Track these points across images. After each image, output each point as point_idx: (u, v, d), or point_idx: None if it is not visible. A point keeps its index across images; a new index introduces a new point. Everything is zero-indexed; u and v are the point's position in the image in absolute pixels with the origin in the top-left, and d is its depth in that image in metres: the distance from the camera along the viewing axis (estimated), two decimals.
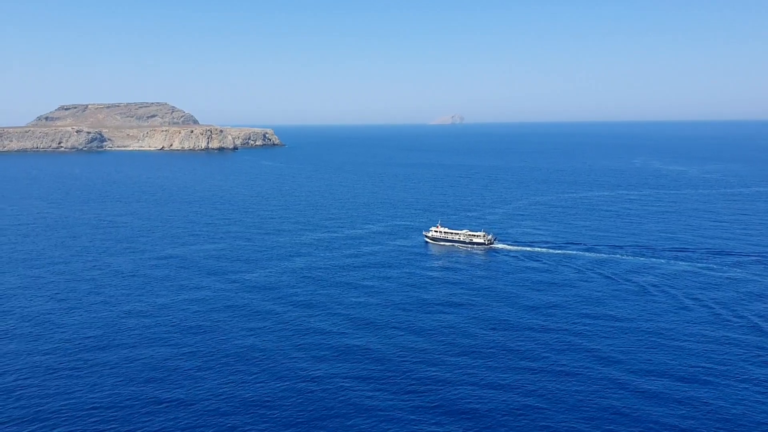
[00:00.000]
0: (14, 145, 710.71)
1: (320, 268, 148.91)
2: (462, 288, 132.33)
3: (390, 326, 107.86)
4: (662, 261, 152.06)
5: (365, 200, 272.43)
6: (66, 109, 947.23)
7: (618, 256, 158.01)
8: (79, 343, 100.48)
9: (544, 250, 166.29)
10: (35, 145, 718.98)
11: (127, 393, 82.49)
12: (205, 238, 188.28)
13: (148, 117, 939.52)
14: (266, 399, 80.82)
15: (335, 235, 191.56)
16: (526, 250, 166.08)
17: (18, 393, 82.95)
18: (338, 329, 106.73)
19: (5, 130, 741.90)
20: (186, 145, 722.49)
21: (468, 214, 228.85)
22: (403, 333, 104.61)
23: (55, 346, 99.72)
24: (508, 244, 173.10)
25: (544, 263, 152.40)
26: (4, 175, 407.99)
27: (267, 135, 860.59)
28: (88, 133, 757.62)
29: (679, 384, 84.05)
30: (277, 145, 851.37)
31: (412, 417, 76.00)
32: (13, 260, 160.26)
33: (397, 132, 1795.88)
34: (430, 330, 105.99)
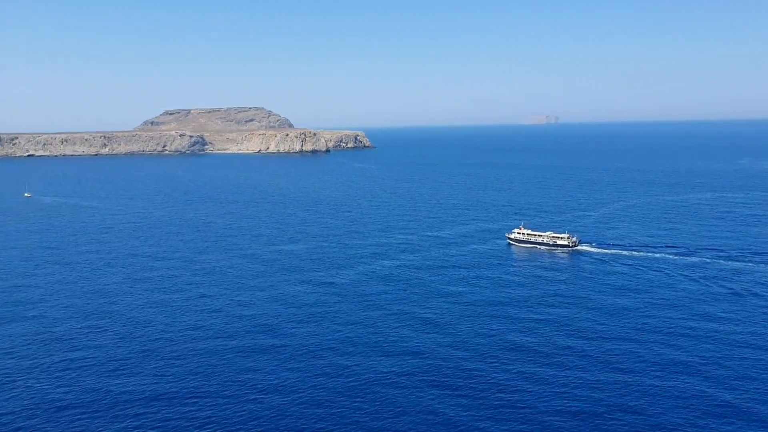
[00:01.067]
0: (123, 149, 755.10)
1: (407, 269, 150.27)
2: (542, 292, 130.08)
3: (463, 332, 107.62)
4: None
5: (454, 201, 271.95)
6: (170, 114, 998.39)
7: (719, 261, 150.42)
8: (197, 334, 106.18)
9: (633, 252, 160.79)
10: (142, 149, 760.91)
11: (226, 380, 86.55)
12: (295, 238, 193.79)
13: (246, 121, 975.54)
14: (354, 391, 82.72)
15: (422, 235, 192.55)
16: (611, 253, 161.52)
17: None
18: (413, 333, 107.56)
19: (114, 134, 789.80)
20: (281, 148, 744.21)
21: (561, 216, 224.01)
22: (475, 338, 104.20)
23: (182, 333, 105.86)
24: (594, 247, 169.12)
25: (633, 266, 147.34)
26: (114, 177, 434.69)
27: (358, 137, 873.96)
28: (191, 137, 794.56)
29: None
30: (368, 147, 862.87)
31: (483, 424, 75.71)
32: (120, 256, 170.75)
33: (488, 133, 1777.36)
34: (499, 336, 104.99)
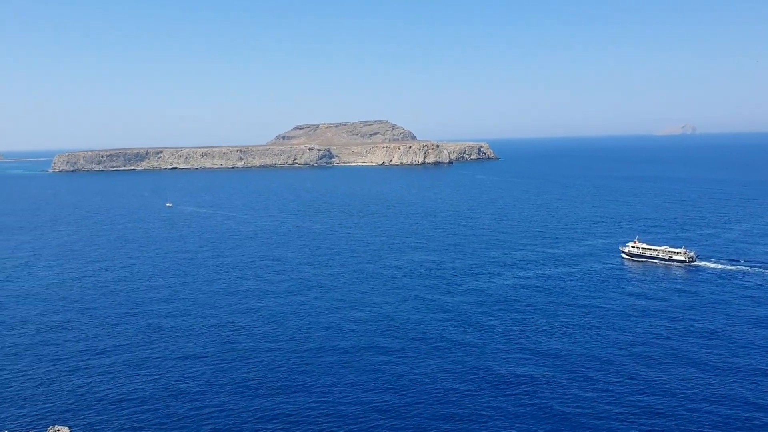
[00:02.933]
0: (257, 162, 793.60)
1: (529, 282, 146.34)
2: (653, 309, 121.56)
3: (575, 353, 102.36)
4: None
5: (581, 215, 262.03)
6: (300, 129, 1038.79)
7: None
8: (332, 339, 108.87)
9: (757, 269, 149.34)
10: (274, 162, 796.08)
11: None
12: (415, 249, 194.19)
13: (370, 134, 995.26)
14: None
15: (546, 250, 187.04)
16: (733, 270, 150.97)
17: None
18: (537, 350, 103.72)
19: (249, 148, 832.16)
20: (404, 160, 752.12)
21: (685, 232, 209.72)
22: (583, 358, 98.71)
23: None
24: (714, 262, 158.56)
25: (761, 285, 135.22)
26: (248, 189, 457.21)
27: (482, 149, 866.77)
28: (319, 150, 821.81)
29: None
30: (491, 158, 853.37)
31: None
32: (253, 263, 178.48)
33: (617, 144, 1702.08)
34: (625, 355, 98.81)
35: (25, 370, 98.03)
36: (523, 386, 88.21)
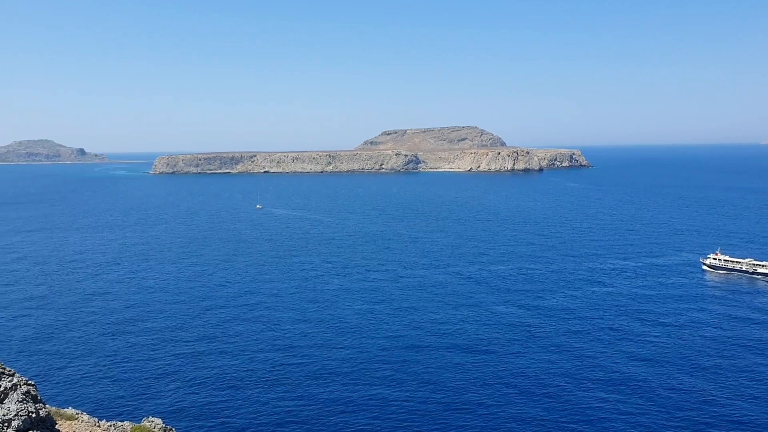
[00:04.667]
0: (344, 167, 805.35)
1: (619, 295, 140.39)
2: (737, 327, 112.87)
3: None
4: None
5: (672, 226, 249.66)
6: (388, 134, 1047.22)
7: None
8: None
9: None
10: (361, 167, 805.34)
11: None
12: (501, 257, 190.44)
13: (458, 140, 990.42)
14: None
15: (635, 262, 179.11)
16: None
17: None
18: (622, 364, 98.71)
19: (338, 153, 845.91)
20: (492, 167, 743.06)
21: None
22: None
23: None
24: None
25: None
26: (336, 193, 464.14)
27: (574, 156, 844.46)
28: (406, 155, 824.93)
29: None
30: (584, 166, 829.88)
31: None
32: (337, 267, 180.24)
33: (719, 153, 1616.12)
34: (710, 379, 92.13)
35: (124, 362, 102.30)
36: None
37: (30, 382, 13.65)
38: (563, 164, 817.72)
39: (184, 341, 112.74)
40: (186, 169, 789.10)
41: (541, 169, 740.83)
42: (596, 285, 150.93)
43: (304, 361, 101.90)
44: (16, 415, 12.46)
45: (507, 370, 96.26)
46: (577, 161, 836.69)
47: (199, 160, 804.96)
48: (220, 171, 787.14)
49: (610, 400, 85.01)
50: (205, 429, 78.36)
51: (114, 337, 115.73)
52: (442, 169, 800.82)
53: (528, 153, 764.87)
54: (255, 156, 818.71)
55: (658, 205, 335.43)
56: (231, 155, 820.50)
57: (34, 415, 12.80)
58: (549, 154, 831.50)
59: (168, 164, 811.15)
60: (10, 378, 13.34)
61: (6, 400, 12.87)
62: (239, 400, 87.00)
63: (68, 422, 34.70)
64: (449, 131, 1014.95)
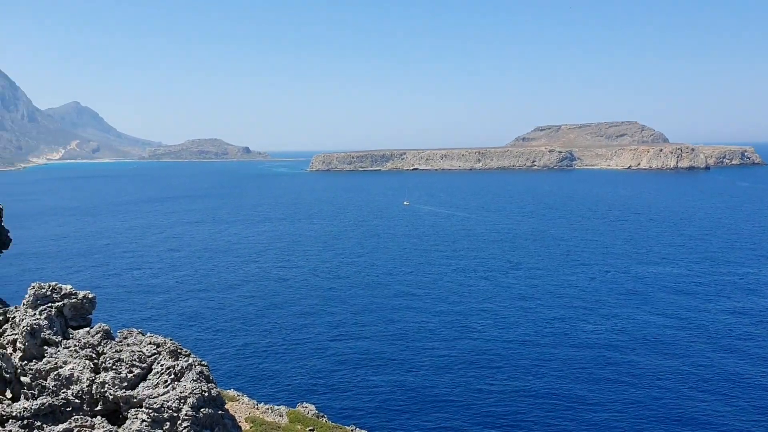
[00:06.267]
0: (494, 164, 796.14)
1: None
2: None
3: None
4: None
5: None
6: (541, 130, 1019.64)
7: None
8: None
9: None
10: (511, 164, 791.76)
11: None
12: (666, 258, 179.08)
13: (617, 136, 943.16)
14: None
15: None
16: None
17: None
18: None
19: (488, 150, 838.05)
20: (653, 164, 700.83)
21: None
22: None
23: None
24: None
25: None
26: (485, 190, 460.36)
27: (746, 153, 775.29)
28: (560, 152, 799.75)
29: None
30: (757, 164, 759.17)
31: None
32: (484, 264, 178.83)
33: None
34: None
35: (281, 352, 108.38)
36: None
37: (203, 362, 14.91)
38: (733, 162, 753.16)
39: (343, 331, 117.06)
40: (340, 167, 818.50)
41: (707, 167, 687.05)
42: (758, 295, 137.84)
43: (494, 358, 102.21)
44: (191, 393, 13.63)
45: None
46: (749, 159, 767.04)
47: (352, 158, 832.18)
48: (371, 168, 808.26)
49: None
50: (355, 418, 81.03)
51: (269, 323, 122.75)
52: (599, 167, 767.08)
53: (693, 150, 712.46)
54: (405, 154, 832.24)
55: None
56: (382, 153, 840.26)
57: (206, 394, 13.95)
58: (716, 151, 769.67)
59: (324, 162, 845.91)
60: (186, 358, 14.64)
61: (182, 379, 14.13)
62: (395, 390, 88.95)
63: (230, 403, 37.40)
64: (607, 127, 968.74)
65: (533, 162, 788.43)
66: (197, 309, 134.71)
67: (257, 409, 40.73)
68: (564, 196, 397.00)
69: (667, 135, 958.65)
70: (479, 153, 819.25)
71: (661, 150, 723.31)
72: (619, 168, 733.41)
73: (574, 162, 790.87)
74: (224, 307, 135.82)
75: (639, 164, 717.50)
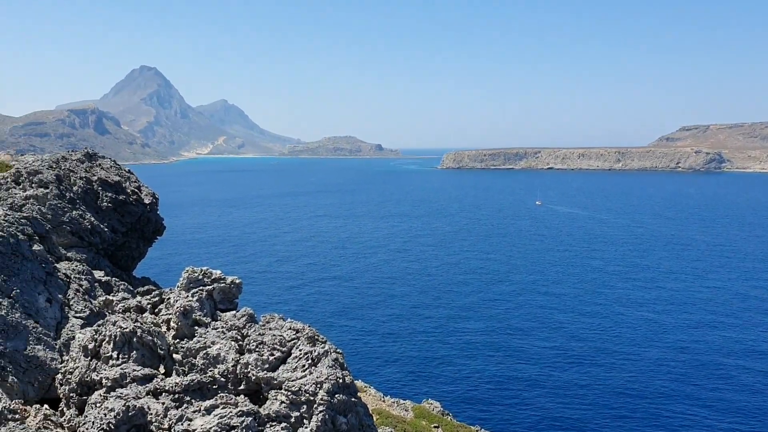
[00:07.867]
0: (635, 164, 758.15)
1: None
2: None
3: None
4: None
5: None
6: (687, 130, 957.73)
7: None
8: None
9: None
10: (654, 165, 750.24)
11: None
12: None
13: None
14: None
15: None
16: None
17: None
18: None
19: (628, 150, 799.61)
20: None
21: None
22: None
23: None
24: None
25: None
26: (624, 191, 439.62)
27: None
28: (707, 153, 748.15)
29: None
30: None
31: None
32: (622, 269, 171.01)
33: None
34: None
35: (413, 342, 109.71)
36: None
37: (338, 350, 15.41)
38: None
39: (481, 330, 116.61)
40: (471, 165, 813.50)
41: None
42: None
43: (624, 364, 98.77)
44: (327, 378, 14.13)
45: None
46: None
47: (484, 156, 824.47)
48: (503, 167, 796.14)
49: None
50: (478, 418, 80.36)
51: (407, 319, 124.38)
52: (752, 170, 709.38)
53: None
54: (539, 152, 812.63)
55: None
56: (515, 151, 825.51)
57: (341, 381, 14.40)
58: None
59: (455, 160, 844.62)
60: (322, 345, 15.18)
61: (319, 365, 14.67)
62: (518, 396, 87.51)
63: (358, 393, 38.34)
64: (762, 127, 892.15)
65: (677, 163, 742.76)
66: (339, 298, 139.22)
67: (383, 401, 41.48)
68: (711, 199, 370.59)
69: None
70: (619, 152, 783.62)
71: None
72: None
73: (723, 164, 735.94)
74: (371, 302, 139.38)
75: None
